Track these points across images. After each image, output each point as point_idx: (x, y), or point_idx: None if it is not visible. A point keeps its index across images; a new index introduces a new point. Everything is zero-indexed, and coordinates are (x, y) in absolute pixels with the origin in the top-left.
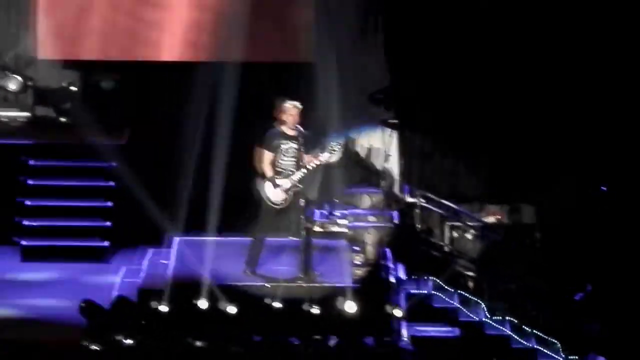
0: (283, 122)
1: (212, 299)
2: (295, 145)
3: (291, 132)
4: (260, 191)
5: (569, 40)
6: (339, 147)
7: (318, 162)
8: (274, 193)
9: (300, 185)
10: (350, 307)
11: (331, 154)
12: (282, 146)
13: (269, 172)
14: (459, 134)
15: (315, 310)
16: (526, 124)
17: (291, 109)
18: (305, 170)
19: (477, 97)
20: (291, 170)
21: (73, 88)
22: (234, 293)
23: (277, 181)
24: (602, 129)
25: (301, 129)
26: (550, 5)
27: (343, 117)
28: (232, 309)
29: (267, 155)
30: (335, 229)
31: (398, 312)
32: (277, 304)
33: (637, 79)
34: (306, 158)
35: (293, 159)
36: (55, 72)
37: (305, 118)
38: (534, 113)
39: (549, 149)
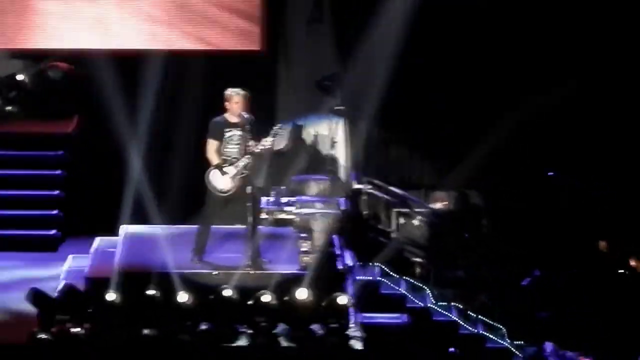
0: (226, 110)
1: (160, 287)
2: (239, 133)
3: (235, 120)
4: (206, 179)
5: (527, 23)
6: (282, 131)
7: (262, 147)
8: (220, 181)
9: (245, 172)
10: (302, 294)
11: (274, 139)
12: (226, 134)
13: (214, 159)
14: (405, 120)
15: (264, 297)
16: (471, 108)
17: (234, 96)
18: (249, 157)
19: (423, 81)
20: (236, 157)
21: (20, 77)
22: (181, 281)
23: (223, 169)
24: (549, 111)
25: (246, 115)
26: None
27: (290, 104)
28: (181, 297)
29: (212, 144)
30: (282, 216)
31: (343, 299)
32: (226, 292)
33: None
34: (250, 144)
35: (237, 146)
36: (1, 62)
37: (253, 106)
38: (480, 97)
39: (496, 133)
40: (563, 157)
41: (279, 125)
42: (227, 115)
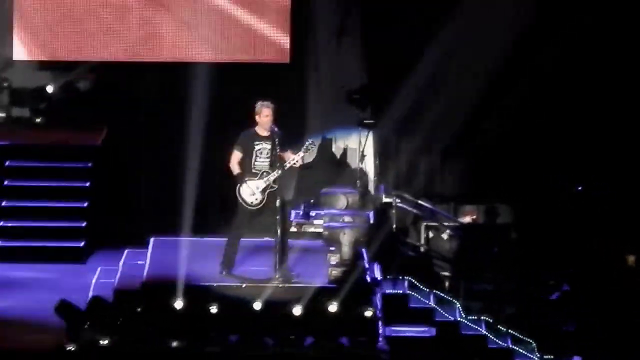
0: (257, 123)
1: (188, 300)
2: (268, 146)
3: (265, 133)
4: (237, 192)
5: (544, 38)
6: (314, 146)
7: (293, 162)
8: (249, 194)
9: (275, 186)
10: (330, 307)
11: (306, 154)
12: (256, 147)
13: (235, 169)
14: (435, 134)
15: (292, 310)
16: (502, 123)
17: (264, 109)
18: (280, 171)
19: (453, 96)
20: (266, 171)
21: (49, 89)
22: (210, 293)
23: (252, 182)
24: (578, 129)
25: (276, 129)
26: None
27: (320, 118)
28: (210, 309)
29: (236, 155)
30: (311, 229)
31: (369, 313)
32: (254, 304)
33: (612, 80)
34: (281, 158)
35: (267, 159)
36: (31, 73)
37: (282, 118)
38: (510, 112)
39: (525, 148)
40: (588, 167)
41: (311, 140)
42: (257, 129)
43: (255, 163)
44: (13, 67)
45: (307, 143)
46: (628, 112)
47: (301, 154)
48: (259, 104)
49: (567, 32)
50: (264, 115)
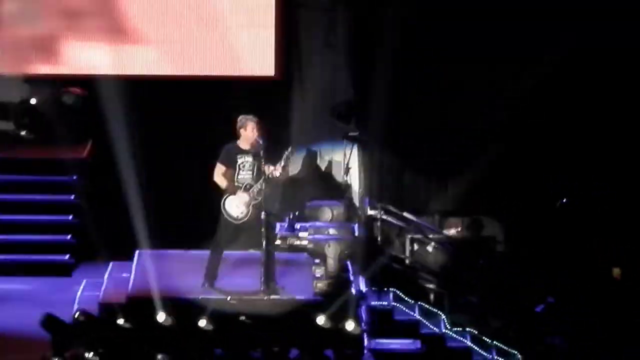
0: (238, 137)
1: (174, 313)
2: (250, 159)
3: (246, 147)
4: (222, 206)
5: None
6: (292, 155)
7: (275, 173)
8: (235, 209)
9: (258, 198)
10: (315, 320)
11: (286, 163)
12: (239, 160)
13: (222, 183)
14: (419, 147)
15: (277, 323)
16: (485, 136)
17: (250, 123)
18: (262, 183)
19: (437, 110)
20: (249, 184)
21: (33, 102)
22: (195, 307)
23: (236, 196)
24: (561, 140)
25: (260, 141)
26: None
27: (305, 131)
28: (195, 323)
29: (219, 168)
30: (296, 242)
31: (351, 326)
32: (240, 317)
33: (596, 92)
34: (265, 168)
35: (250, 172)
36: (15, 87)
37: (267, 131)
38: (492, 126)
39: (509, 161)
40: (578, 185)
41: (290, 149)
42: (239, 142)
43: (238, 177)
44: None
45: (286, 152)
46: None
47: (282, 163)
48: (242, 118)
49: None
50: (250, 129)
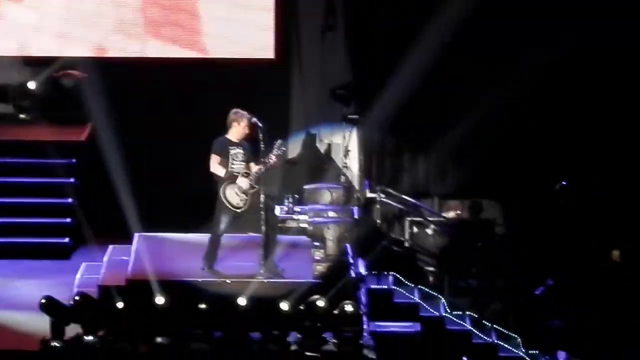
0: (229, 128)
1: (173, 296)
2: (241, 150)
3: (235, 139)
4: (221, 194)
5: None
6: (284, 148)
7: (266, 165)
8: (234, 196)
9: (256, 187)
10: (315, 302)
11: (278, 154)
12: (231, 151)
13: (220, 172)
14: (419, 130)
15: (276, 306)
16: (486, 119)
17: (244, 120)
18: (261, 170)
19: (437, 92)
20: (246, 172)
21: (32, 85)
22: (194, 290)
23: (235, 184)
24: (563, 123)
25: (259, 124)
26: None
27: (304, 114)
28: (194, 305)
29: (215, 158)
30: (296, 225)
31: (350, 308)
32: (240, 301)
33: (595, 77)
34: (252, 166)
35: (243, 163)
36: (14, 70)
37: (267, 114)
38: (494, 108)
39: (509, 143)
40: (573, 163)
41: (280, 141)
42: (228, 136)
43: (232, 167)
44: None
45: (276, 144)
46: (618, 109)
47: (272, 156)
48: (238, 112)
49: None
50: (243, 126)
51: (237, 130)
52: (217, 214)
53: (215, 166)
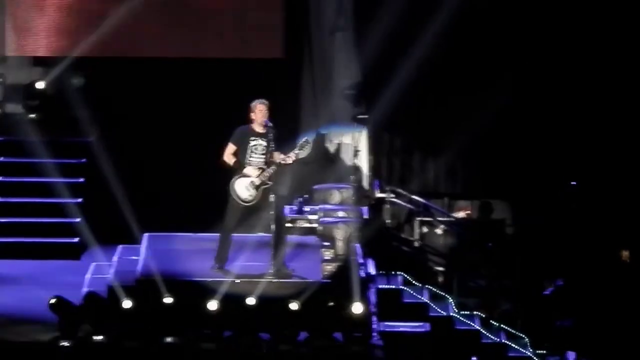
0: (252, 120)
1: (182, 295)
2: (264, 143)
3: (260, 130)
4: (231, 188)
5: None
6: (308, 144)
7: (288, 160)
8: (243, 190)
9: (269, 183)
10: (324, 302)
11: (301, 151)
12: (251, 142)
13: (230, 161)
14: (429, 130)
15: (286, 306)
16: (496, 119)
17: (258, 105)
18: (274, 167)
19: (447, 93)
20: (261, 167)
21: (42, 85)
22: (204, 289)
23: (246, 178)
24: (574, 123)
25: (270, 124)
26: None
27: (314, 114)
28: (204, 305)
29: (230, 147)
30: (305, 224)
31: (358, 308)
32: (249, 300)
33: (604, 79)
34: (276, 156)
35: (262, 156)
36: (25, 69)
37: (276, 114)
38: (504, 109)
39: (519, 144)
40: (583, 163)
41: (305, 138)
42: (253, 125)
43: (250, 159)
44: (6, 62)
45: (302, 140)
46: (623, 106)
47: (296, 151)
48: (254, 102)
49: (561, 26)
50: (258, 110)
51: (256, 118)
52: (227, 210)
53: (227, 155)
